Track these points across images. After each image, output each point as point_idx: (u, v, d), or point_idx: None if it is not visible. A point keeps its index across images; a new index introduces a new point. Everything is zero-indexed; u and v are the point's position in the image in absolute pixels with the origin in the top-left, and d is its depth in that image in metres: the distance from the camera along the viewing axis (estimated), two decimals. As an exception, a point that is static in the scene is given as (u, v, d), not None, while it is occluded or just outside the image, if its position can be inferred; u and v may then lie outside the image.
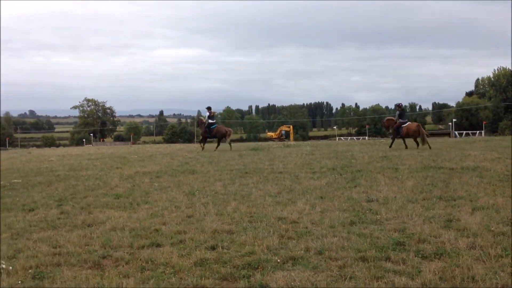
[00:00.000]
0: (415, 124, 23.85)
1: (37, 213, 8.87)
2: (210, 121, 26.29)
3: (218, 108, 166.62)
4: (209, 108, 26.88)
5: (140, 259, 5.61)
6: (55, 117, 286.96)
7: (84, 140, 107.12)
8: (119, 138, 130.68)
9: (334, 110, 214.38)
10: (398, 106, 25.03)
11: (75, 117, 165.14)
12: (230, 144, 26.55)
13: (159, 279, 4.97)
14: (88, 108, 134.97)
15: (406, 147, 22.65)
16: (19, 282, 5.04)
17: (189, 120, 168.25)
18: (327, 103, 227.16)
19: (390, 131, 25.14)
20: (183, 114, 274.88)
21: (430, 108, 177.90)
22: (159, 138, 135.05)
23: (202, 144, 27.33)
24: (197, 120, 28.85)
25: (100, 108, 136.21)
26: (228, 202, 9.11)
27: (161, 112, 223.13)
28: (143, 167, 17.01)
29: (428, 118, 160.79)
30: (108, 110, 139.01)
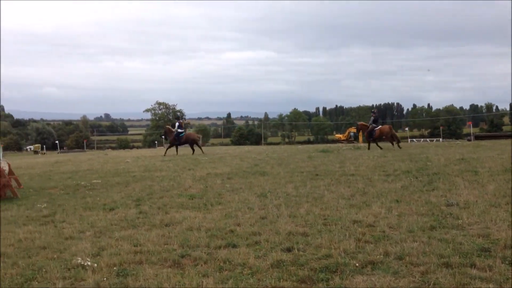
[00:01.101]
0: (387, 126, 26.95)
1: (117, 212, 9.26)
2: (179, 130, 28.68)
3: (284, 110, 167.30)
4: (183, 119, 29.20)
5: (218, 259, 5.69)
6: (129, 120, 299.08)
7: (156, 142, 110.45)
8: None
9: (405, 111, 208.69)
10: (372, 112, 28.11)
11: (147, 119, 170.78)
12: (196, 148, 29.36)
13: (238, 279, 5.01)
14: (160, 111, 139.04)
15: (381, 148, 25.47)
16: (104, 279, 5.23)
17: (256, 122, 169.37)
18: (397, 104, 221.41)
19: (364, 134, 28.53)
20: (250, 116, 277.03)
21: (508, 108, 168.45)
22: (227, 140, 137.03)
23: (167, 149, 30.02)
24: (165, 129, 31.16)
25: (170, 111, 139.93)
26: (301, 204, 9.07)
27: (229, 115, 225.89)
28: (214, 168, 17.30)
29: (506, 119, 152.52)
30: (178, 113, 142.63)
